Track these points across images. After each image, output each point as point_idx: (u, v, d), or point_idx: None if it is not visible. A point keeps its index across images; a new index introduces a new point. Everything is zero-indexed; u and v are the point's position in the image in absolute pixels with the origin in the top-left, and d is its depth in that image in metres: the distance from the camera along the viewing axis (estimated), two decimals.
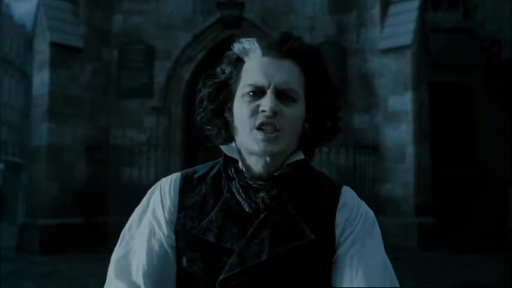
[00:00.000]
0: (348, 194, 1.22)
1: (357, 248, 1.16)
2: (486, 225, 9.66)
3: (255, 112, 1.13)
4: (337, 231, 1.17)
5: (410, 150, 8.99)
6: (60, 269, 7.15)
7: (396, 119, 9.11)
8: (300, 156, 1.20)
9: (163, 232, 1.19)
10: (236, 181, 1.19)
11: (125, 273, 1.20)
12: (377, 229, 1.21)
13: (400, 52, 9.13)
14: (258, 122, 1.12)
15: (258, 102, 1.13)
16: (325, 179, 1.25)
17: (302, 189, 1.20)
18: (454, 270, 6.56)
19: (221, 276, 1.13)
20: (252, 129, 1.13)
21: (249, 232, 1.14)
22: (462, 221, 9.93)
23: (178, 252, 1.20)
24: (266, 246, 1.13)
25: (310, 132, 1.21)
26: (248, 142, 1.14)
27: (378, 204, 8.14)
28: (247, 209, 1.16)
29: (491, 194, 10.37)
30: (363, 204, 1.22)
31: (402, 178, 9.00)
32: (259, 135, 1.12)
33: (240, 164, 1.20)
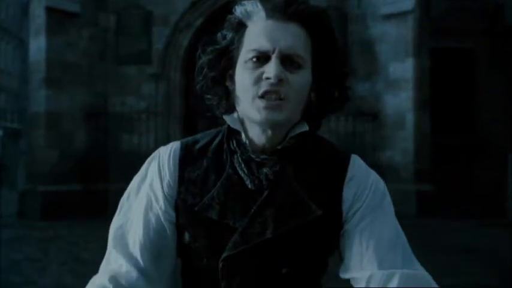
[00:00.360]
0: (356, 166, 1.16)
1: (366, 222, 1.11)
2: (486, 192, 9.72)
3: (258, 80, 1.07)
4: (345, 206, 1.13)
5: (410, 118, 8.97)
6: (61, 235, 7.23)
7: (397, 86, 9.05)
8: (304, 128, 1.14)
9: (160, 206, 1.16)
10: (238, 155, 1.14)
11: (122, 244, 1.18)
12: (388, 200, 1.16)
13: (402, 18, 8.99)
14: (261, 91, 1.06)
15: (261, 70, 1.07)
16: (332, 149, 1.19)
17: (307, 162, 1.15)
18: (454, 236, 6.64)
19: (224, 254, 1.10)
20: (254, 98, 1.07)
21: (252, 210, 1.10)
22: (462, 188, 9.99)
23: (179, 227, 1.17)
24: (270, 224, 1.09)
25: (317, 102, 1.15)
26: (250, 111, 1.09)
27: (377, 172, 8.10)
28: (249, 186, 1.12)
29: (492, 161, 10.39)
30: (372, 175, 1.17)
31: (402, 145, 9.01)
32: (261, 103, 1.07)
33: (243, 136, 1.15)
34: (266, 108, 1.07)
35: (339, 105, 1.19)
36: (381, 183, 1.17)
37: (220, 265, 1.11)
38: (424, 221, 7.51)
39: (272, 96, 1.06)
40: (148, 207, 1.17)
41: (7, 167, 21.03)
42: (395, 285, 1.06)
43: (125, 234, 1.18)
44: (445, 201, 8.60)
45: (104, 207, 7.77)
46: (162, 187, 1.16)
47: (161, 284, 1.20)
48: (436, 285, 1.10)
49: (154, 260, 1.17)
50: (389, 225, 1.13)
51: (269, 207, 1.10)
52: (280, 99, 1.07)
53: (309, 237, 1.13)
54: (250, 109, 1.09)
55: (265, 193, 1.11)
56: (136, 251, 1.16)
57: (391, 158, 9.08)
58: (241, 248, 1.09)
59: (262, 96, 1.06)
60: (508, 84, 10.87)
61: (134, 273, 1.16)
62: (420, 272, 1.09)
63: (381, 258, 1.09)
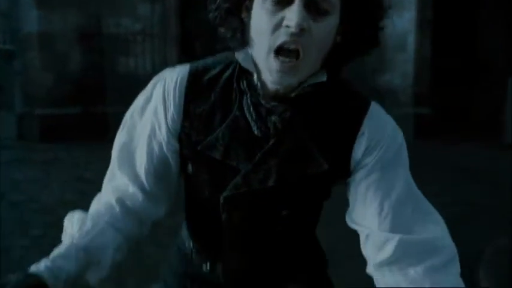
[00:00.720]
0: (373, 117, 1.07)
1: (374, 178, 1.05)
2: (485, 114, 9.73)
3: (277, 27, 0.95)
4: (354, 159, 1.07)
5: (411, 40, 8.82)
6: (61, 157, 7.31)
7: (400, 7, 8.79)
8: (322, 77, 1.05)
9: (163, 137, 1.13)
10: (248, 96, 1.06)
11: (127, 165, 1.18)
12: (402, 155, 1.08)
13: None
14: (278, 42, 0.95)
15: (281, 14, 0.95)
16: (351, 97, 1.09)
17: (321, 111, 1.07)
18: (453, 158, 6.74)
19: (225, 193, 1.09)
20: (269, 53, 0.97)
21: (257, 157, 1.06)
22: (461, 111, 9.99)
23: (183, 157, 1.15)
24: (273, 174, 1.05)
25: (342, 46, 1.03)
26: (262, 67, 1.00)
27: (376, 95, 8.12)
28: (256, 132, 1.06)
29: (492, 83, 10.33)
30: (389, 128, 1.08)
31: (402, 68, 8.91)
32: (275, 64, 0.96)
33: (254, 77, 1.05)
34: (279, 71, 0.97)
35: (368, 50, 1.07)
36: (398, 138, 1.09)
37: (222, 200, 1.11)
38: (422, 144, 7.57)
39: (291, 46, 0.94)
40: (152, 134, 1.14)
41: (3, 89, 20.82)
42: (389, 251, 1.02)
43: (130, 155, 1.18)
44: (444, 124, 8.63)
45: (103, 130, 7.77)
46: (166, 119, 1.12)
47: (166, 203, 1.23)
48: (450, 244, 1.04)
49: (159, 182, 1.19)
50: (399, 181, 1.05)
51: (274, 156, 1.05)
52: (297, 56, 0.95)
53: (312, 186, 1.10)
54: (263, 64, 1.00)
55: (272, 141, 1.05)
56: (141, 173, 1.16)
57: (391, 81, 9.00)
58: (242, 190, 1.08)
59: (277, 52, 0.95)
60: (511, 6, 10.56)
61: (139, 195, 1.18)
62: (424, 235, 1.02)
63: (383, 217, 1.04)
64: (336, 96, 1.09)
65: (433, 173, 5.02)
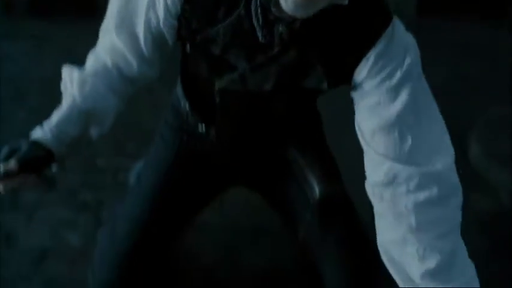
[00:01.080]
0: (385, 41, 0.98)
1: (372, 101, 0.99)
2: None
3: None
4: (354, 80, 1.01)
5: None
6: (51, 32, 7.11)
7: None
8: (343, 0, 0.92)
9: (161, 13, 1.06)
10: None
11: (125, 28, 1.16)
12: (410, 77, 0.98)
13: None
14: None
15: None
16: (370, 17, 0.98)
17: (333, 30, 0.98)
18: (453, 33, 6.63)
19: (220, 84, 1.06)
20: None
21: (257, 60, 1.00)
22: None
23: (181, 37, 1.10)
24: (271, 79, 1.01)
25: None
26: None
27: None
28: (260, 38, 0.97)
29: None
30: (400, 53, 0.98)
31: None
32: None
33: None
34: (294, 2, 0.85)
35: None
36: (407, 60, 0.98)
37: (216, 88, 1.08)
38: (423, 21, 7.41)
39: None
40: (151, 4, 1.07)
41: None
42: (381, 175, 1.00)
43: (128, 18, 1.13)
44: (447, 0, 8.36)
45: (91, 5, 7.48)
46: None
47: (160, 65, 1.24)
48: (454, 179, 0.99)
49: (155, 50, 1.17)
50: (399, 106, 0.98)
51: (275, 64, 1.00)
52: None
53: (310, 93, 1.08)
54: None
55: (276, 49, 0.98)
56: (139, 39, 1.13)
57: None
58: (237, 87, 1.05)
59: None
60: None
61: (135, 62, 1.19)
62: (423, 166, 0.97)
63: (376, 141, 1.00)
64: (354, 14, 0.99)
65: (432, 48, 4.97)
